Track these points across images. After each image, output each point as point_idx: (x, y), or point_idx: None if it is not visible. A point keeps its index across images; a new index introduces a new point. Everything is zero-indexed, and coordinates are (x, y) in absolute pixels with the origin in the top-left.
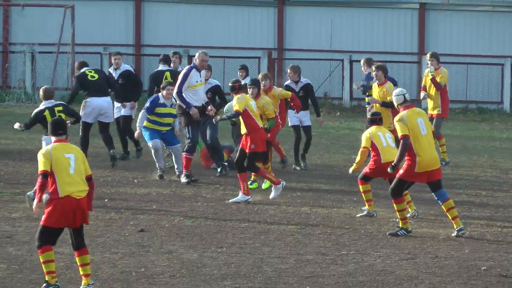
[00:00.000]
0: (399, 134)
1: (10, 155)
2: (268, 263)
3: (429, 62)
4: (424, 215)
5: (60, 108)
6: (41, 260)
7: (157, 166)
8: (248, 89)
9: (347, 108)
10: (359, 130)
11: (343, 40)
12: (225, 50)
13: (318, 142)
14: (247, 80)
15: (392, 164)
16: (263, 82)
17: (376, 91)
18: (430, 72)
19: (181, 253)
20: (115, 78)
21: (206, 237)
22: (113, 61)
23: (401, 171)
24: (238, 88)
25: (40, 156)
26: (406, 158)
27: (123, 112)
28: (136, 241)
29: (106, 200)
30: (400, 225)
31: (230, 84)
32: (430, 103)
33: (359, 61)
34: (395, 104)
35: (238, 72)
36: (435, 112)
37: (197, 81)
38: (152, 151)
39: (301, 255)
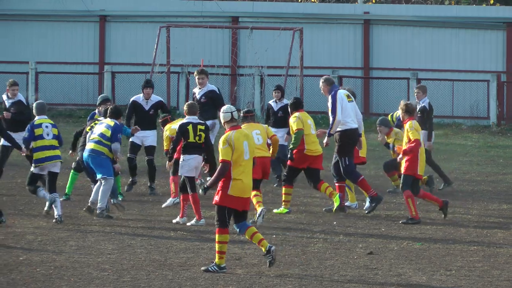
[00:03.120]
0: (220, 158)
1: None
2: (497, 286)
3: None
4: None
5: (203, 127)
6: None
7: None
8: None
9: None
10: None
11: None
12: (453, 73)
13: None
14: (285, 101)
15: (205, 186)
16: None
17: None
18: None
19: (410, 276)
20: (7, 106)
21: (435, 260)
22: (9, 91)
23: (216, 197)
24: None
25: None
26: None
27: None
28: (364, 263)
29: (335, 223)
30: (216, 260)
31: None
32: None
33: None
34: (222, 121)
35: (273, 93)
36: None
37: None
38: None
39: None
